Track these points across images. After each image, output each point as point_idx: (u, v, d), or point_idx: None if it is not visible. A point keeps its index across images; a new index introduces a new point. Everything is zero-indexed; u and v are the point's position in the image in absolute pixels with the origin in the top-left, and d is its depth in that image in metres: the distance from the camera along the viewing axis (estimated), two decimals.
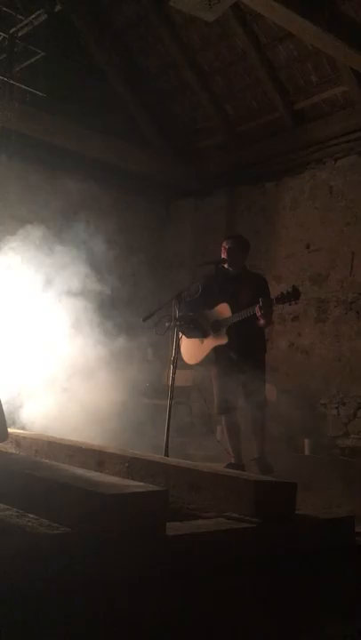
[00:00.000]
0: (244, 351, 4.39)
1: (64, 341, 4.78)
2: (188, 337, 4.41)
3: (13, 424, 4.13)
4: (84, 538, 1.62)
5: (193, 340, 4.52)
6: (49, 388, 4.58)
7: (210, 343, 4.48)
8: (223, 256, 4.58)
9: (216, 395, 4.55)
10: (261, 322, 4.21)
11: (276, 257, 7.49)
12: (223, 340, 4.40)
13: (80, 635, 1.50)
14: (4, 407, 3.50)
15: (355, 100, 6.58)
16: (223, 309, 4.45)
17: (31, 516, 1.78)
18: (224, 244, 4.61)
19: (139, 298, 7.05)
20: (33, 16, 6.07)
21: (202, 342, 4.54)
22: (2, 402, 3.45)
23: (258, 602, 1.83)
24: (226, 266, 4.60)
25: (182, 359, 4.57)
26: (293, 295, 4.06)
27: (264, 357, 4.60)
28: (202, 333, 4.47)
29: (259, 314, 4.11)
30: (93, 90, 7.68)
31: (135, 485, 1.89)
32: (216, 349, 4.46)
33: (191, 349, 4.58)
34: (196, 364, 4.62)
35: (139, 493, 1.78)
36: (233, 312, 4.36)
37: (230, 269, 4.59)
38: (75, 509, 1.73)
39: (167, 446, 3.82)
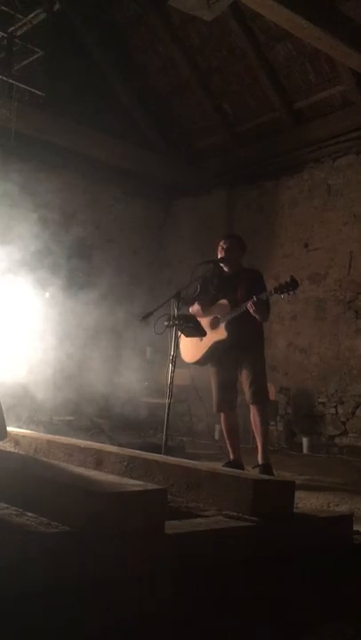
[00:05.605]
0: (244, 347, 4.40)
1: (64, 341, 4.81)
2: (186, 336, 4.41)
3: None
4: (83, 537, 1.63)
5: (191, 338, 4.53)
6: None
7: (209, 339, 4.48)
8: (220, 255, 4.60)
9: (215, 392, 4.55)
10: (257, 317, 4.27)
11: (275, 256, 7.50)
12: (222, 335, 4.40)
13: (79, 635, 1.50)
14: (4, 408, 3.51)
15: (353, 100, 6.60)
16: (222, 306, 4.47)
17: (30, 514, 1.78)
18: (221, 244, 4.63)
19: (138, 296, 7.06)
20: (32, 15, 6.07)
21: (201, 340, 4.54)
22: (0, 401, 3.46)
23: (256, 601, 1.84)
24: (223, 265, 4.62)
25: (181, 358, 4.57)
26: (292, 285, 4.13)
27: (263, 354, 4.61)
28: (201, 332, 4.47)
29: (251, 310, 4.17)
30: (92, 89, 7.69)
31: (134, 484, 1.89)
32: (215, 346, 4.46)
33: (190, 347, 4.58)
34: (196, 362, 4.60)
35: (138, 492, 1.78)
36: (231, 308, 4.39)
37: (227, 268, 4.61)
38: (74, 508, 1.73)
39: (166, 445, 3.83)
